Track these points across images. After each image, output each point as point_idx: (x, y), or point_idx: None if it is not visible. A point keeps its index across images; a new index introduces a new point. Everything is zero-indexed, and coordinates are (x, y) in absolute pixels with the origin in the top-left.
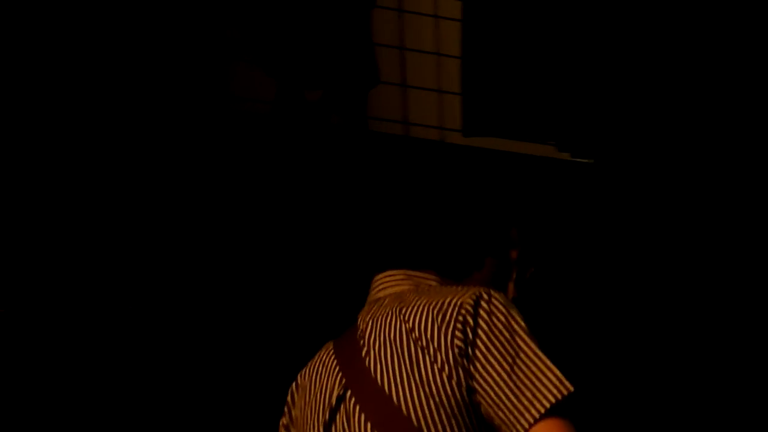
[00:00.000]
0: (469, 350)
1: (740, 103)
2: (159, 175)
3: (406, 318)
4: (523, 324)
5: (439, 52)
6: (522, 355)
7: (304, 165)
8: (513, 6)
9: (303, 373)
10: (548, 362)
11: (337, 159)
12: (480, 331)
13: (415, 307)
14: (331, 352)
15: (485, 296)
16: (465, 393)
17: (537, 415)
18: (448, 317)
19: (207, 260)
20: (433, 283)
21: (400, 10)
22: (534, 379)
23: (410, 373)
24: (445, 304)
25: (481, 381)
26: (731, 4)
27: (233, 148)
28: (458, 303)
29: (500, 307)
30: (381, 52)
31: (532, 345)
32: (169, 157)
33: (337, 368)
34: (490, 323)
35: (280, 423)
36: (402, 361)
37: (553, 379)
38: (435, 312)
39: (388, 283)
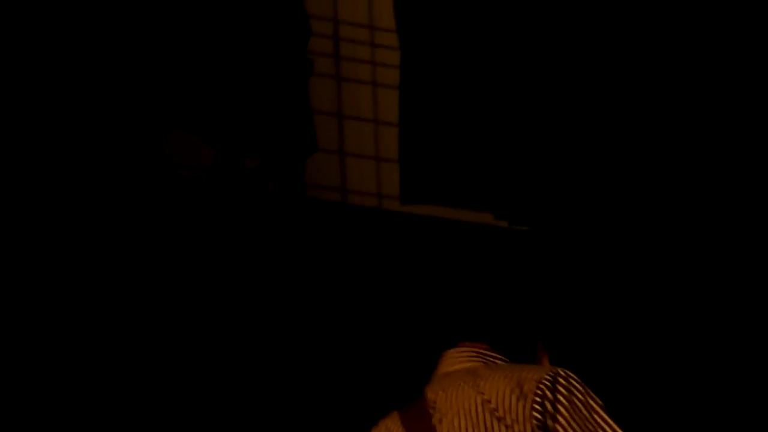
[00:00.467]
0: (549, 422)
1: (675, 169)
2: (97, 241)
3: (482, 390)
4: (600, 402)
5: (377, 119)
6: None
7: (243, 232)
8: (451, 74)
9: None
10: None
11: (276, 226)
12: (560, 407)
13: (492, 380)
14: (398, 422)
15: (562, 373)
16: None
17: None
18: (526, 390)
19: (146, 328)
20: (500, 362)
21: (338, 78)
22: None
23: None
24: (522, 378)
25: None
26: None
27: (171, 215)
28: (536, 378)
29: (578, 386)
30: (319, 119)
31: (611, 422)
32: (106, 223)
33: None
34: (570, 399)
35: None
36: (477, 431)
37: None
38: (513, 385)
39: (459, 359)
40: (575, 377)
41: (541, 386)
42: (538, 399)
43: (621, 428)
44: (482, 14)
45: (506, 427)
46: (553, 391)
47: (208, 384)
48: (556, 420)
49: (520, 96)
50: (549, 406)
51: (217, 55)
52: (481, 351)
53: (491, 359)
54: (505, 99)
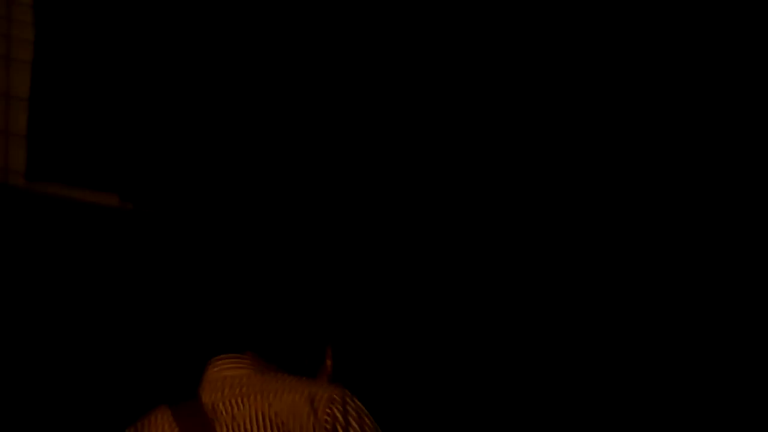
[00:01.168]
0: None
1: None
2: None
3: (272, 401)
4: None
5: (8, 94)
6: None
7: None
8: (84, 53)
9: None
10: None
11: None
12: (351, 429)
13: (281, 393)
14: (172, 422)
15: (349, 394)
16: None
17: None
18: (316, 406)
19: None
20: (273, 371)
21: None
22: None
23: None
24: (313, 395)
25: None
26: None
27: None
28: (325, 396)
29: (364, 409)
30: None
31: None
32: None
33: None
34: (361, 422)
35: None
36: None
37: None
38: (302, 400)
39: (228, 365)
40: (359, 402)
41: (331, 405)
42: (327, 417)
43: None
44: None
45: None
46: (344, 414)
47: None
48: None
49: (149, 77)
50: (338, 427)
51: None
52: (247, 359)
53: (262, 366)
54: (134, 80)
